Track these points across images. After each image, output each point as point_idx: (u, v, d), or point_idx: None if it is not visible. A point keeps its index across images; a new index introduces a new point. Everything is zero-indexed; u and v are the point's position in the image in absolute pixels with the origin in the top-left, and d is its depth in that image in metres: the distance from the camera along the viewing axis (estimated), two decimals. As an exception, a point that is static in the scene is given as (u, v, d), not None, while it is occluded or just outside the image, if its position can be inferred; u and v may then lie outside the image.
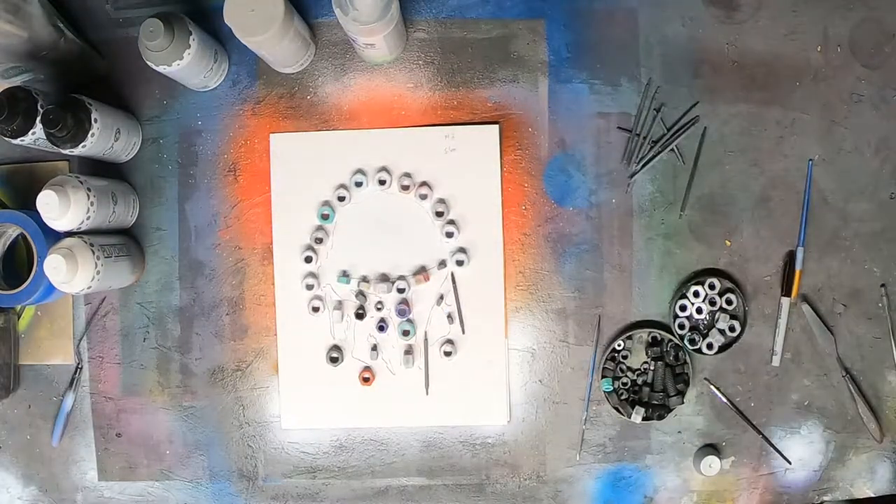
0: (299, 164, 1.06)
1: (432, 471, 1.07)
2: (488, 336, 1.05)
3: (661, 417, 1.03)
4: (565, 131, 1.05)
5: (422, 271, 1.05)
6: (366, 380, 1.05)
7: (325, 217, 1.05)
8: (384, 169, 1.05)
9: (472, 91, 1.06)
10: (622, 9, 1.05)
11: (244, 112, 1.07)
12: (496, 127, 1.05)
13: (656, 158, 1.04)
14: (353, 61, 1.07)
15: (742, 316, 1.03)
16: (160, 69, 0.95)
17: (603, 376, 1.03)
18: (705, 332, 1.04)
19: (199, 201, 1.07)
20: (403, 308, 1.04)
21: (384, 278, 1.05)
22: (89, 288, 0.96)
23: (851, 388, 1.04)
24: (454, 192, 1.05)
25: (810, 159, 1.04)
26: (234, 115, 1.07)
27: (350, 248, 1.06)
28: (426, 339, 1.05)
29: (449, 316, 1.05)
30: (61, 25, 0.99)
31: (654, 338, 1.04)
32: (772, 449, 1.05)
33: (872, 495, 1.05)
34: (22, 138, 0.94)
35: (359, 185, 1.05)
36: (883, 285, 1.04)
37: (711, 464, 1.01)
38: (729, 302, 1.03)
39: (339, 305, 1.06)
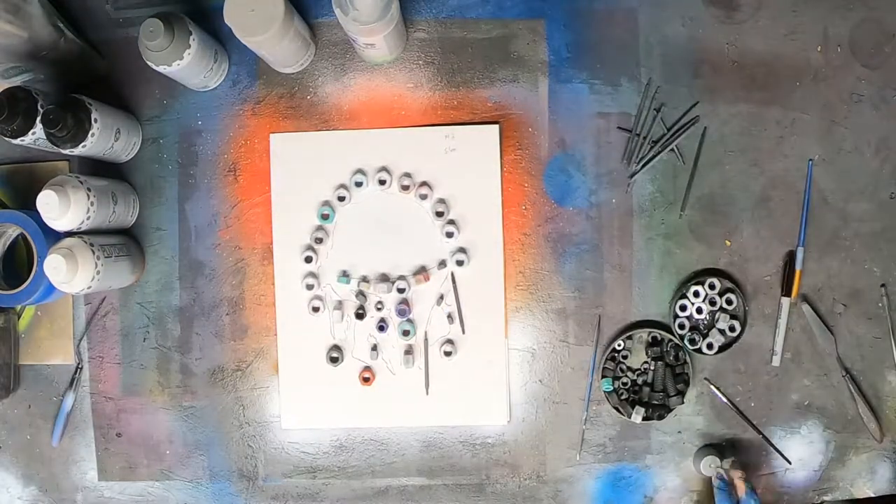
0: (299, 164, 1.06)
1: (432, 471, 1.07)
2: (488, 336, 1.05)
3: (661, 417, 1.03)
4: (565, 131, 1.05)
5: (422, 271, 1.05)
6: (366, 380, 1.05)
7: (325, 217, 1.05)
8: (384, 169, 1.05)
9: (472, 91, 1.06)
10: (622, 9, 1.05)
11: (244, 112, 1.07)
12: (496, 127, 1.05)
13: (656, 158, 1.04)
14: (353, 61, 1.07)
15: (742, 316, 1.03)
16: (160, 69, 0.95)
17: (603, 376, 1.03)
18: (705, 332, 1.04)
19: (199, 201, 1.07)
20: (403, 308, 1.04)
21: (384, 278, 1.05)
22: (89, 288, 0.96)
23: (851, 388, 1.04)
24: (454, 192, 1.05)
25: (810, 159, 1.04)
26: (234, 115, 1.07)
27: (350, 248, 1.06)
28: (426, 339, 1.05)
29: (449, 316, 1.05)
30: (61, 25, 0.99)
31: (654, 338, 1.04)
32: (772, 449, 1.05)
33: (872, 495, 1.05)
34: (22, 138, 0.94)
35: (359, 185, 1.05)
36: (883, 285, 1.04)
37: (711, 463, 1.01)
38: (729, 302, 1.03)
39: (339, 305, 1.06)
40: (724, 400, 1.05)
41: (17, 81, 1.00)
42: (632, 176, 1.05)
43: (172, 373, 1.08)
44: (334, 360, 1.05)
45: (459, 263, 1.04)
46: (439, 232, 1.05)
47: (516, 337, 1.06)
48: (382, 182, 1.05)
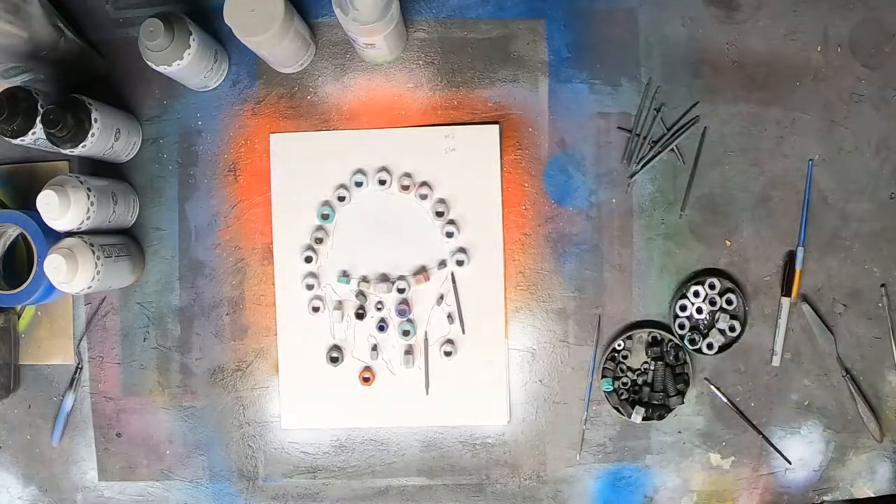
0: (299, 164, 1.06)
1: (432, 471, 1.07)
2: (488, 336, 1.05)
3: (661, 417, 1.03)
4: (565, 131, 1.05)
5: (422, 271, 1.05)
6: (366, 380, 1.05)
7: (325, 217, 1.05)
8: (384, 169, 1.05)
9: (472, 91, 1.06)
10: (622, 9, 1.05)
11: (244, 112, 1.07)
12: (496, 127, 1.05)
13: (656, 158, 1.04)
14: (353, 61, 1.07)
15: (742, 316, 1.03)
16: (160, 69, 0.95)
17: (603, 376, 1.03)
18: (705, 332, 1.04)
19: (199, 201, 1.07)
20: (403, 308, 1.04)
21: (384, 278, 1.05)
22: (89, 288, 0.96)
23: (851, 388, 1.04)
24: (454, 192, 1.05)
25: (810, 159, 1.04)
26: (234, 115, 1.07)
27: (350, 248, 1.06)
28: (426, 339, 1.05)
29: (449, 316, 1.05)
30: (61, 25, 0.99)
31: (654, 338, 1.04)
32: (772, 449, 1.05)
33: (872, 495, 1.05)
34: (22, 138, 0.94)
35: (359, 185, 1.05)
36: (883, 285, 1.04)
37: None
38: (729, 302, 1.03)
39: (339, 305, 1.06)
40: (724, 400, 1.05)
41: (17, 81, 1.00)
42: (632, 176, 1.05)
43: (172, 373, 1.08)
44: (334, 360, 1.05)
45: (459, 263, 1.04)
46: (439, 232, 1.05)
47: (516, 337, 1.06)
48: (382, 182, 1.05)
